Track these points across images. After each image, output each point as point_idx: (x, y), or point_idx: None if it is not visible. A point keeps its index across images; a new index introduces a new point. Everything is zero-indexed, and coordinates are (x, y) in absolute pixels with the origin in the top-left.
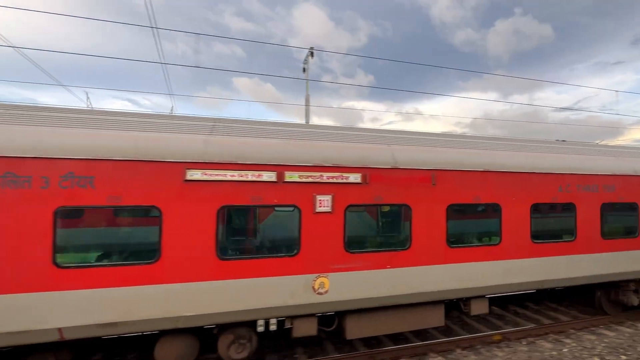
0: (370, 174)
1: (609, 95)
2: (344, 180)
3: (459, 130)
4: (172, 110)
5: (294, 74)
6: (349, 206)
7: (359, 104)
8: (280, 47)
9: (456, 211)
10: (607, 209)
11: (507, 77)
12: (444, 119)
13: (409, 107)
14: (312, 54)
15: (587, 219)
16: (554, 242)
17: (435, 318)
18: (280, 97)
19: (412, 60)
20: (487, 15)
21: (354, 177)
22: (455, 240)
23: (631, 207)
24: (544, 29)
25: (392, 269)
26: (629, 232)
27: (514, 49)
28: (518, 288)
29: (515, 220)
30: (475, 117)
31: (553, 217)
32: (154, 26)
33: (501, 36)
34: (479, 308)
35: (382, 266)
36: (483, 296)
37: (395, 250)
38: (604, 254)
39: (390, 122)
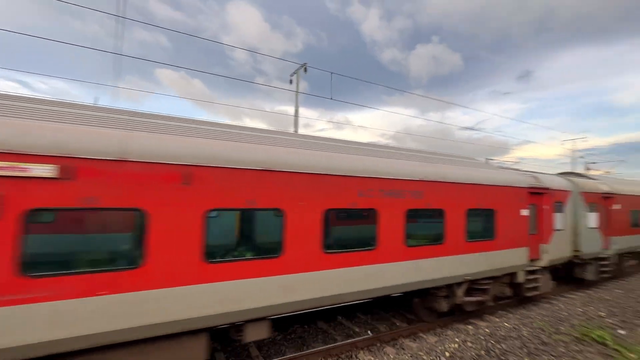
0: (78, 166)
1: (501, 119)
2: (22, 174)
3: (383, 141)
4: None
5: (227, 72)
6: (33, 212)
7: (292, 109)
8: (212, 43)
9: (218, 218)
10: (414, 215)
11: (425, 97)
12: (370, 129)
13: (340, 116)
14: (305, 70)
15: (391, 226)
16: (351, 251)
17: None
18: (210, 95)
19: (344, 72)
20: (410, 38)
21: (42, 170)
22: (217, 253)
23: (439, 213)
24: (455, 57)
25: (113, 295)
26: (435, 239)
27: (431, 72)
28: (301, 307)
29: (304, 228)
30: (397, 131)
31: (353, 225)
32: None
33: (421, 59)
34: (256, 333)
35: (92, 293)
36: (262, 318)
37: (118, 270)
38: (408, 262)
39: (322, 129)
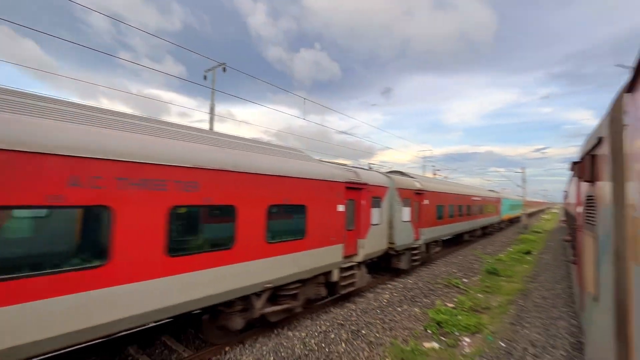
0: None
1: (368, 127)
2: None
3: (266, 137)
4: None
5: (78, 39)
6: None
7: (166, 95)
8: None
9: None
10: (183, 214)
11: (307, 100)
12: (254, 125)
13: (222, 108)
14: (224, 69)
15: (141, 229)
16: (54, 273)
17: None
18: (50, 63)
19: (229, 62)
20: (295, 40)
21: None
22: None
23: (227, 211)
24: (334, 66)
25: None
26: (219, 245)
27: (313, 77)
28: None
29: None
30: (279, 130)
31: (63, 229)
32: None
33: (305, 63)
34: None
35: None
36: None
37: None
38: (171, 279)
39: (200, 120)
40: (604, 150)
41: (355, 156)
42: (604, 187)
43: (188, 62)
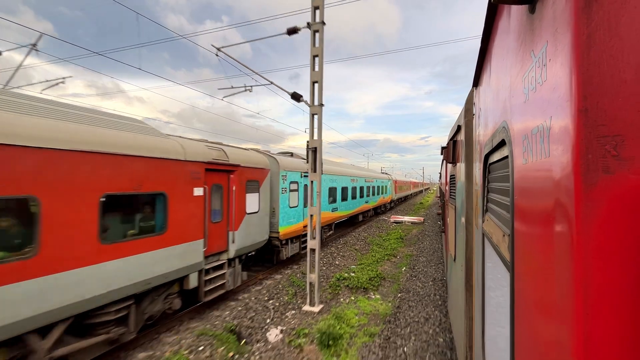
0: None
1: (277, 112)
2: None
3: (165, 118)
4: None
5: None
6: None
7: (18, 57)
8: None
9: None
10: None
11: (213, 80)
12: (150, 103)
13: (107, 80)
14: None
15: None
16: None
17: None
18: None
19: (117, 24)
20: (200, 11)
21: None
22: None
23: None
24: (244, 46)
25: None
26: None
27: (221, 53)
28: None
29: None
30: (187, 109)
31: None
32: None
33: (211, 36)
34: None
35: None
36: None
37: None
38: None
39: (76, 94)
40: (462, 136)
41: (265, 140)
42: (461, 167)
43: (55, 17)
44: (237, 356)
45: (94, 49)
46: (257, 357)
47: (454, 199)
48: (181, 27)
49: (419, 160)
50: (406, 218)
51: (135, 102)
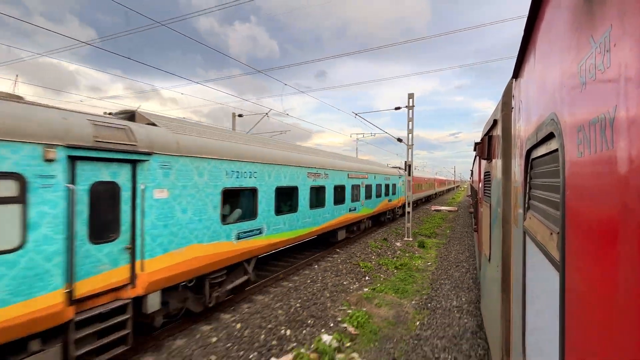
0: None
1: (303, 108)
2: None
3: (196, 118)
4: None
5: None
6: None
7: (72, 66)
8: None
9: None
10: None
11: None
12: (181, 103)
13: (145, 83)
14: None
15: None
16: None
17: None
18: None
19: (149, 31)
20: (230, 12)
21: None
22: None
23: None
24: (272, 44)
25: None
26: None
27: (250, 53)
28: None
29: None
30: (217, 109)
31: None
32: None
33: (240, 38)
34: None
35: None
36: None
37: None
38: None
39: (115, 97)
40: (498, 131)
41: (293, 138)
42: (497, 163)
43: (100, 25)
44: (387, 244)
45: (134, 54)
46: (395, 247)
47: (489, 196)
48: (212, 29)
49: (448, 158)
50: (444, 207)
51: (168, 103)
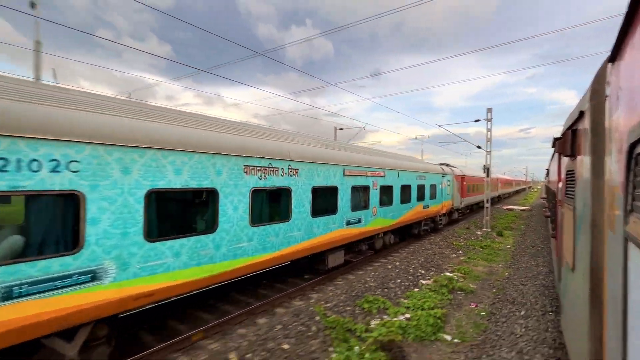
0: None
1: (357, 108)
2: None
3: (256, 121)
4: None
5: (46, 15)
6: None
7: (152, 78)
8: None
9: None
10: None
11: (303, 73)
12: (244, 107)
13: (210, 90)
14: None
15: None
16: None
17: None
18: (25, 43)
19: (217, 41)
20: (286, 17)
21: None
22: None
23: None
24: (327, 44)
25: None
26: None
27: (306, 55)
28: None
29: None
30: (275, 112)
31: None
32: None
33: (297, 41)
34: None
35: None
36: None
37: None
38: None
39: (185, 104)
40: (585, 124)
41: (346, 138)
42: (584, 161)
43: (174, 40)
44: (471, 232)
45: (202, 65)
46: (478, 235)
47: (572, 198)
48: (270, 35)
49: (518, 156)
50: (517, 207)
51: (231, 108)
